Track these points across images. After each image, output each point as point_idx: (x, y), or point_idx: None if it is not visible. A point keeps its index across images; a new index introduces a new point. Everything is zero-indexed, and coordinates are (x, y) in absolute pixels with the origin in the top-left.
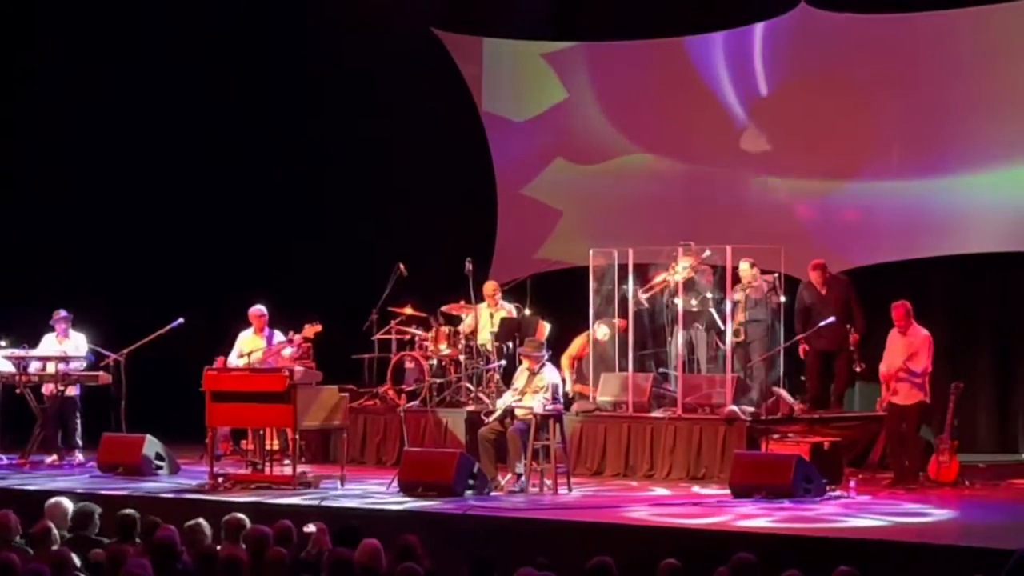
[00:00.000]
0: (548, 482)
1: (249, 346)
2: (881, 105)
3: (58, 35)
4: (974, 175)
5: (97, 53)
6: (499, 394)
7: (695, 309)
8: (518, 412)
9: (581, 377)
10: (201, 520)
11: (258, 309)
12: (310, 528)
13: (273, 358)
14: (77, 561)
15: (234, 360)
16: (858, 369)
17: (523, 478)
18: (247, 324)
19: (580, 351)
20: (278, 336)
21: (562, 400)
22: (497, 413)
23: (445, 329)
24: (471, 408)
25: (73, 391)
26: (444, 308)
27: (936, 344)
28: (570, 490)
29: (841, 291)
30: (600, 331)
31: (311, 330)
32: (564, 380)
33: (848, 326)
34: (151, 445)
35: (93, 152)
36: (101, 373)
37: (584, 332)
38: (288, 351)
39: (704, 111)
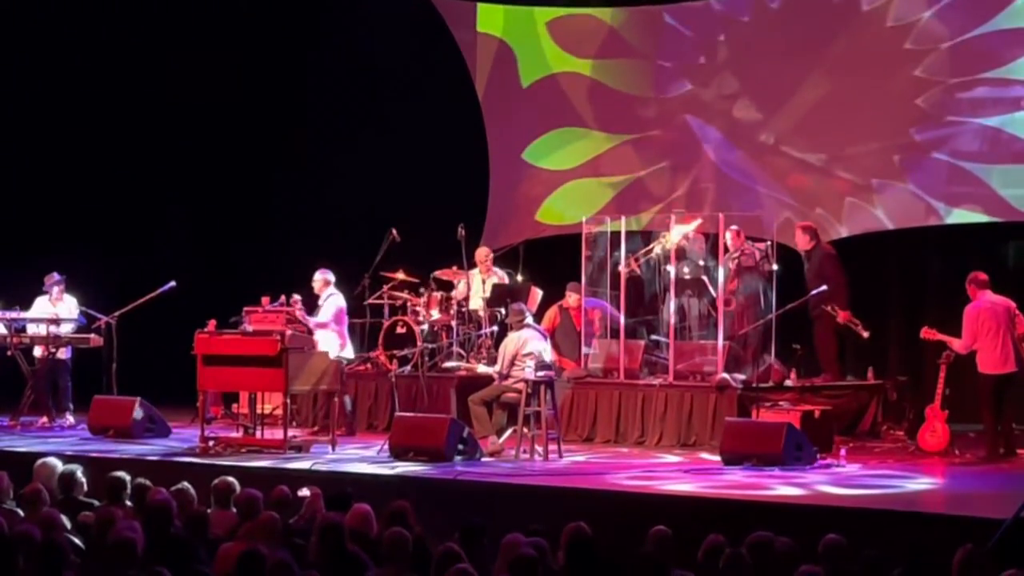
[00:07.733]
0: (539, 448)
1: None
2: (873, 74)
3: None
4: (966, 142)
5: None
6: (490, 360)
7: (687, 277)
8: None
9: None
10: (185, 483)
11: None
12: (304, 492)
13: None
14: (67, 523)
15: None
16: (865, 335)
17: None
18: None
19: (550, 324)
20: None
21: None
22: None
23: (437, 295)
24: (463, 373)
25: (64, 353)
26: (436, 273)
27: (924, 314)
28: (560, 456)
29: (818, 262)
30: (571, 298)
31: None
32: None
33: (830, 307)
34: (142, 408)
35: (86, 114)
36: (92, 335)
37: (553, 305)
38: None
39: (696, 79)
